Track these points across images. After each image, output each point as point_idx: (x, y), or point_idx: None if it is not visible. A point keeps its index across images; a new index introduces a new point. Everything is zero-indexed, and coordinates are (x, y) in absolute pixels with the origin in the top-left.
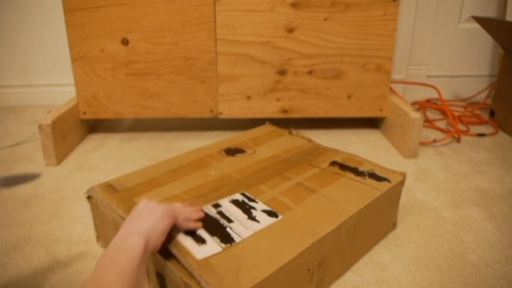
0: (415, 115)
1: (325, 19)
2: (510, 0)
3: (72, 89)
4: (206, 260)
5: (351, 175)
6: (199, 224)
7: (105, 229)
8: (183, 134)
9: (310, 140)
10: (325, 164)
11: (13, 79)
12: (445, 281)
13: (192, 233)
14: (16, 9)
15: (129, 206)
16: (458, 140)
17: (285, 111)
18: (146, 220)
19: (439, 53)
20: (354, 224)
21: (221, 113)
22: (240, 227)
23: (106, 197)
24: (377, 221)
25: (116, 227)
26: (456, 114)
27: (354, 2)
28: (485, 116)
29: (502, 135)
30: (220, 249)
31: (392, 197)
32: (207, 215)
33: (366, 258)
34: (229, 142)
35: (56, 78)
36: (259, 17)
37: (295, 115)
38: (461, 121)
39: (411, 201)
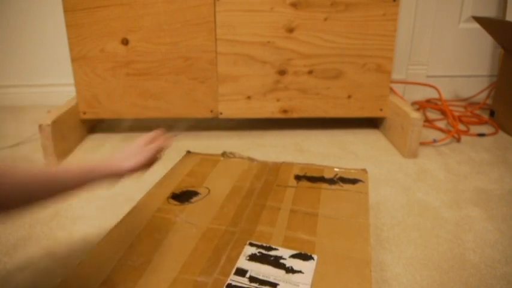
0: (415, 115)
1: (325, 19)
2: (510, 0)
3: (72, 89)
4: None
5: (325, 186)
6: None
7: None
8: (183, 134)
9: (251, 159)
10: (291, 181)
11: (13, 79)
12: (445, 281)
13: None
14: (16, 9)
15: None
16: (458, 140)
17: (285, 111)
18: None
19: (439, 53)
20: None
21: (221, 113)
22: (289, 287)
23: None
24: None
25: None
26: (456, 114)
27: (353, 2)
28: (485, 116)
29: (502, 135)
30: None
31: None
32: None
33: None
34: (168, 187)
35: (56, 78)
36: (259, 17)
37: (295, 115)
38: (461, 121)
39: (411, 201)
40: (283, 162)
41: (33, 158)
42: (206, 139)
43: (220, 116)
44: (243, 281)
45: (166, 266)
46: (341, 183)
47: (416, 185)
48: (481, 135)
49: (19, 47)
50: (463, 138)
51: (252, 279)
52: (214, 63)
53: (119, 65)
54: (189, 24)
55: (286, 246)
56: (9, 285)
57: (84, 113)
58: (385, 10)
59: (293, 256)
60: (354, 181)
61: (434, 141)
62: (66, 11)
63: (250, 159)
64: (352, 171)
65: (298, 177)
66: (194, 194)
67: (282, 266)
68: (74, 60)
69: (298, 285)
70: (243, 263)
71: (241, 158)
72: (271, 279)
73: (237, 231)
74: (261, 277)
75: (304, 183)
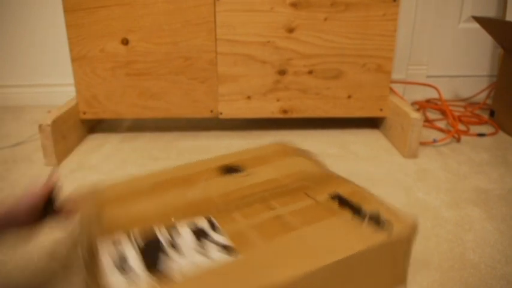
0: (415, 115)
1: (325, 19)
2: (510, 0)
3: (72, 89)
4: None
5: (347, 215)
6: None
7: None
8: (183, 134)
9: (318, 164)
10: (323, 196)
11: (13, 79)
12: (445, 281)
13: (121, 258)
14: (16, 9)
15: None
16: (458, 140)
17: (285, 111)
18: None
19: (439, 53)
20: (326, 277)
21: (221, 113)
22: (182, 260)
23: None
24: (367, 280)
25: None
26: (456, 114)
27: (354, 2)
28: (485, 116)
29: (502, 135)
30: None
31: (395, 251)
32: (153, 239)
33: None
34: (228, 158)
35: (56, 78)
36: (259, 17)
37: (295, 115)
38: (461, 121)
39: (411, 201)
40: (341, 177)
41: (33, 158)
42: (206, 139)
43: (220, 116)
44: (165, 234)
45: (147, 207)
46: (366, 220)
47: (416, 185)
48: (481, 135)
49: (19, 47)
50: (463, 138)
51: (169, 239)
52: (214, 63)
53: (119, 65)
54: (189, 24)
55: (232, 237)
56: (10, 285)
57: (84, 113)
58: (385, 10)
59: (220, 245)
60: (382, 224)
61: (434, 141)
62: (66, 11)
63: (318, 164)
64: (397, 214)
65: (334, 196)
66: (236, 170)
67: (201, 245)
68: (74, 60)
69: (191, 264)
70: (182, 227)
71: (310, 159)
72: (181, 247)
73: (220, 209)
74: (177, 241)
75: (330, 203)
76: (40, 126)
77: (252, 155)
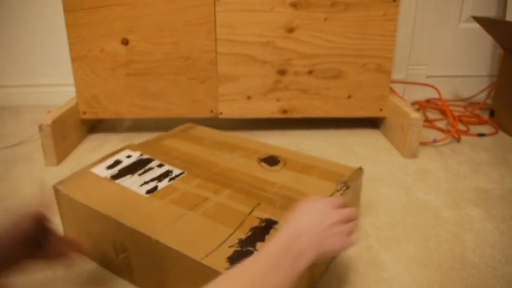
0: (415, 115)
1: (325, 19)
2: (510, 0)
3: (72, 89)
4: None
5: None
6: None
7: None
8: None
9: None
10: (259, 216)
11: (13, 79)
12: (445, 281)
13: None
14: (16, 9)
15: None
16: (458, 140)
17: (285, 111)
18: None
19: (439, 53)
20: (157, 252)
21: (221, 113)
22: (131, 181)
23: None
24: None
25: None
26: (456, 114)
27: (353, 2)
28: (485, 116)
29: (502, 135)
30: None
31: None
32: (142, 163)
33: (366, 258)
34: (287, 153)
35: (56, 78)
36: (259, 17)
37: (295, 115)
38: (461, 121)
39: (411, 201)
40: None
41: (33, 158)
42: None
43: (220, 116)
44: (145, 167)
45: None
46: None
47: (416, 185)
48: (481, 135)
49: (19, 47)
50: (463, 138)
51: (144, 170)
52: (214, 63)
53: (118, 65)
54: (189, 24)
55: (166, 190)
56: (9, 285)
57: (84, 113)
58: (385, 10)
59: (153, 188)
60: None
61: (434, 141)
62: (66, 11)
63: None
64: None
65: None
66: (275, 162)
67: (150, 182)
68: (74, 60)
69: (138, 184)
70: (161, 168)
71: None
72: (143, 176)
73: (214, 175)
74: (147, 172)
75: (250, 232)
76: (40, 126)
77: (314, 162)
